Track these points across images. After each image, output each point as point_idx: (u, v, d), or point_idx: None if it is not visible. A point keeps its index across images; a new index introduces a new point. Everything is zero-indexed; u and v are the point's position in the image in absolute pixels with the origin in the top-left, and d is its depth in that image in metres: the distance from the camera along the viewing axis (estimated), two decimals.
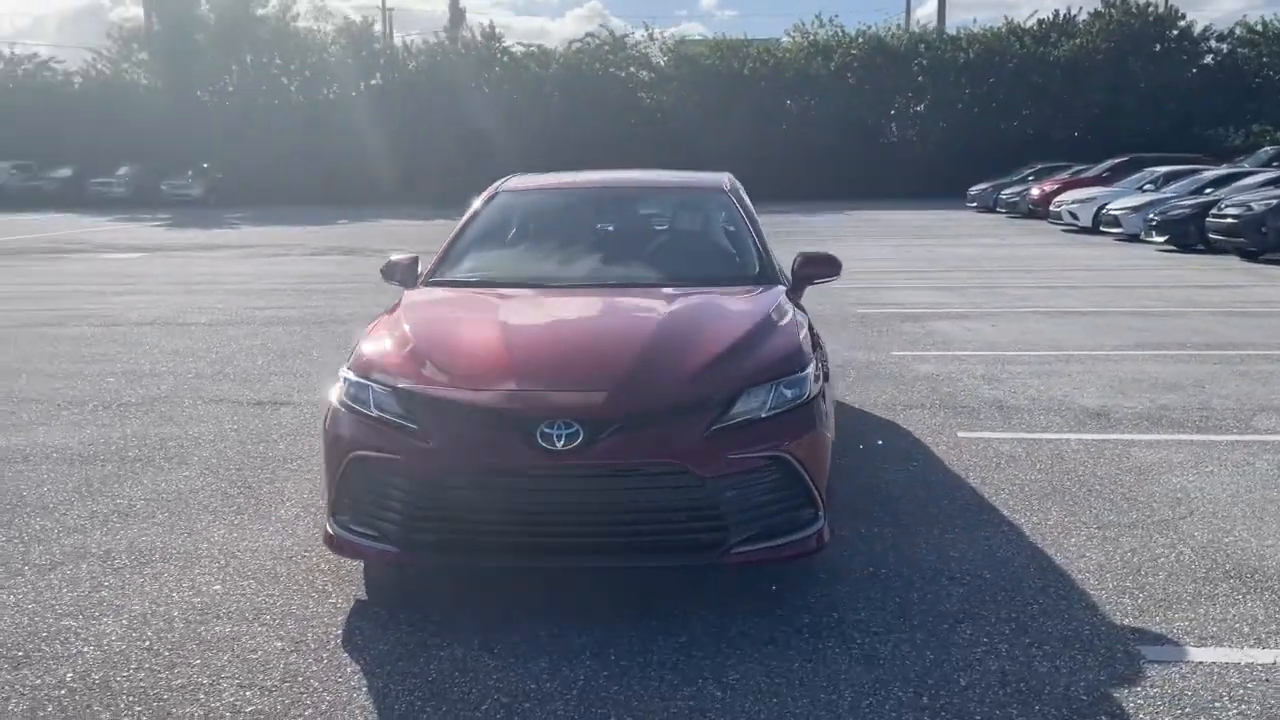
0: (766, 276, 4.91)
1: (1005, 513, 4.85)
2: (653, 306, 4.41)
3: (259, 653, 3.49)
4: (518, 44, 45.05)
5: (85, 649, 3.52)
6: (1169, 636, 3.61)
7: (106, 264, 18.17)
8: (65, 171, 42.45)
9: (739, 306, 4.47)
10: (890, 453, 5.86)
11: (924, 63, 41.76)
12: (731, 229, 5.35)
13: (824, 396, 4.10)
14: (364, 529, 3.74)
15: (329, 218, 30.10)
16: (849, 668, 3.38)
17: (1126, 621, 3.72)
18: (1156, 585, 4.02)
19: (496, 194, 5.60)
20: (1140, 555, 4.33)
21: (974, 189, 32.15)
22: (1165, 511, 4.86)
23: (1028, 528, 4.65)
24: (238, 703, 3.17)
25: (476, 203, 5.49)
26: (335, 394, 3.93)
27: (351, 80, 44.34)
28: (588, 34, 43.88)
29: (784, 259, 5.33)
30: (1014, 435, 6.21)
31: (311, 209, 34.15)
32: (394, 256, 5.19)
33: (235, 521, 4.79)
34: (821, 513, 3.83)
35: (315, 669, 3.39)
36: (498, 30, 45.58)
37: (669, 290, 4.65)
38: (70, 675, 3.34)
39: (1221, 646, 3.53)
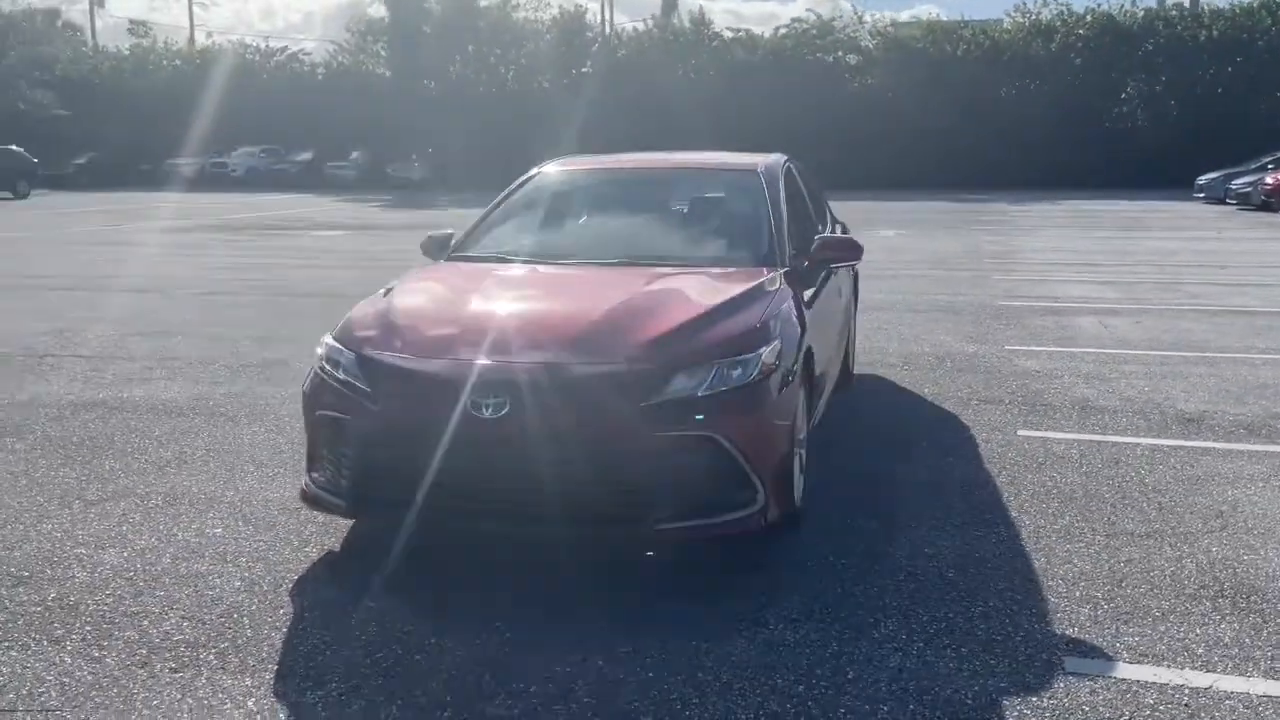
0: (772, 259, 4.85)
1: (1014, 514, 4.62)
2: (630, 284, 4.47)
3: (215, 590, 3.83)
4: (726, 30, 45.10)
5: (79, 574, 3.97)
6: (1106, 651, 3.37)
7: (311, 240, 19.66)
8: (306, 155, 45.98)
9: (713, 286, 4.44)
10: (931, 447, 5.65)
11: (1160, 41, 38.85)
12: (750, 211, 5.30)
13: (792, 378, 4.04)
14: (326, 484, 4.02)
15: None
16: (743, 652, 3.36)
17: (1069, 632, 3.50)
18: (1129, 598, 3.75)
19: (535, 174, 5.79)
20: (1133, 567, 4.04)
21: (1202, 178, 29.67)
22: (1195, 524, 4.49)
23: (1028, 532, 4.41)
24: (171, 631, 3.50)
25: (516, 183, 5.70)
26: (316, 357, 4.22)
27: (563, 69, 45.69)
28: (793, 19, 43.37)
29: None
30: (1079, 436, 5.85)
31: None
32: (432, 233, 5.46)
33: (269, 474, 5.20)
34: (762, 494, 3.81)
35: (255, 608, 3.68)
36: (708, 15, 45.77)
37: (661, 269, 4.69)
38: (53, 596, 3.78)
39: (1159, 666, 3.28)
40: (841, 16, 44.34)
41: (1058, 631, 3.51)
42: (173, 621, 3.57)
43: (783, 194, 5.34)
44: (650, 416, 3.67)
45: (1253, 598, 3.76)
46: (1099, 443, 5.73)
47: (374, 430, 3.83)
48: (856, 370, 7.47)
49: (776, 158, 5.84)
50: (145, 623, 3.57)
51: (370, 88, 47.14)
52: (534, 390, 3.68)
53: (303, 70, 50.03)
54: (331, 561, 4.11)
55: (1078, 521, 4.52)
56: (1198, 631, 3.50)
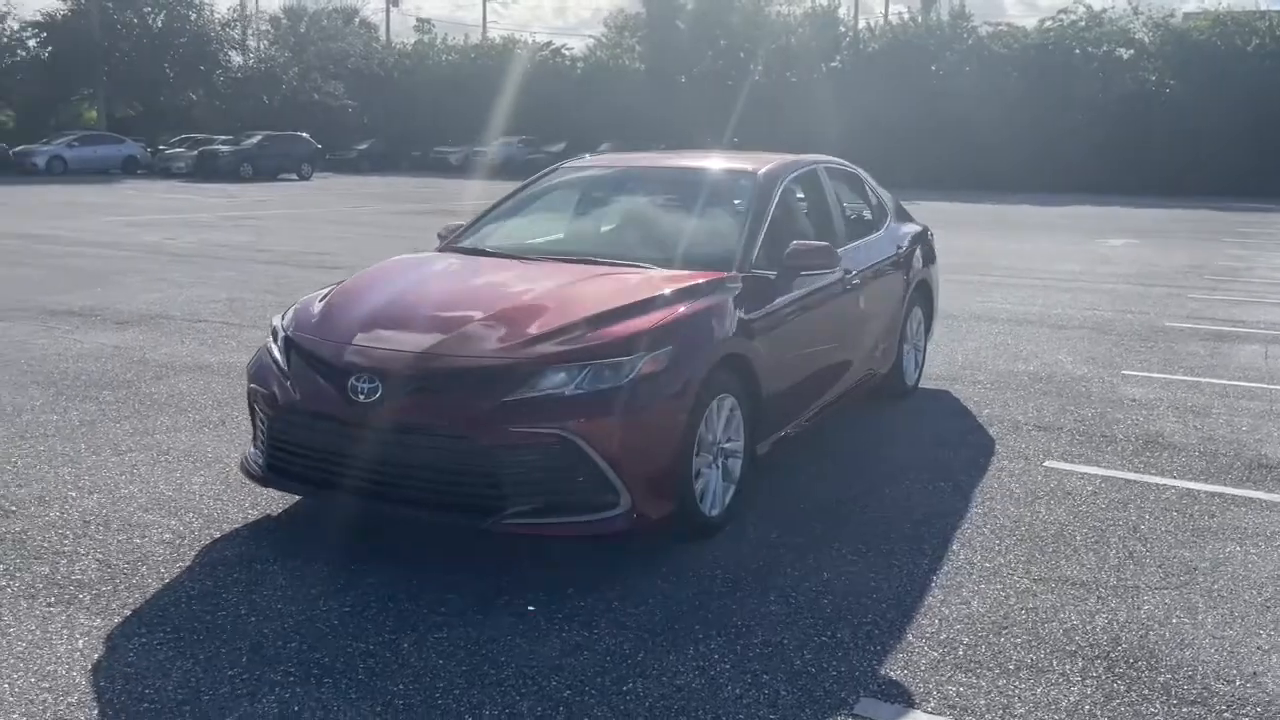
0: (729, 264, 4.75)
1: (954, 548, 4.32)
2: (559, 280, 4.52)
3: (142, 540, 4.24)
4: (985, 23, 43.08)
5: (51, 514, 4.50)
6: (913, 698, 3.15)
7: None
8: (559, 146, 47.97)
9: (636, 288, 4.40)
10: (930, 472, 5.33)
11: None
12: (728, 215, 5.19)
13: (689, 385, 3.98)
14: (254, 455, 4.36)
15: None
16: (532, 649, 3.39)
17: (892, 674, 3.29)
18: (994, 647, 3.46)
19: (548, 170, 5.94)
20: (1032, 615, 3.70)
21: None
22: (1153, 578, 4.04)
23: (952, 568, 4.13)
24: (77, 571, 3.94)
25: (530, 179, 5.86)
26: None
27: (812, 63, 45.20)
28: (1060, 10, 40.75)
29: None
30: (1110, 473, 5.34)
31: None
32: (449, 223, 5.73)
33: None
34: (626, 499, 3.79)
35: (160, 559, 4.06)
36: (969, 9, 43.87)
37: (604, 268, 4.72)
38: (17, 529, 4.32)
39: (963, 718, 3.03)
40: (1114, 7, 41.36)
41: (882, 672, 3.30)
42: (85, 562, 4.01)
43: (775, 200, 5.20)
44: (511, 411, 3.74)
45: (1139, 664, 3.37)
46: (1127, 481, 5.22)
47: (280, 406, 4.12)
48: (929, 384, 7.13)
49: (789, 162, 5.68)
50: (63, 561, 4.02)
51: (624, 81, 48.59)
52: (403, 378, 3.84)
53: (563, 65, 52.19)
54: (264, 526, 4.44)
55: (1018, 562, 4.18)
56: (1036, 692, 3.19)
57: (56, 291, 10.64)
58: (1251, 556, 4.29)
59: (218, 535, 4.32)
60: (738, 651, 3.41)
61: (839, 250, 5.61)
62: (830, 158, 6.54)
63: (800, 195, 5.70)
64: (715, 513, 4.34)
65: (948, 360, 8.00)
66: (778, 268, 4.84)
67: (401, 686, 3.16)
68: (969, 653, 3.43)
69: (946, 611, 3.73)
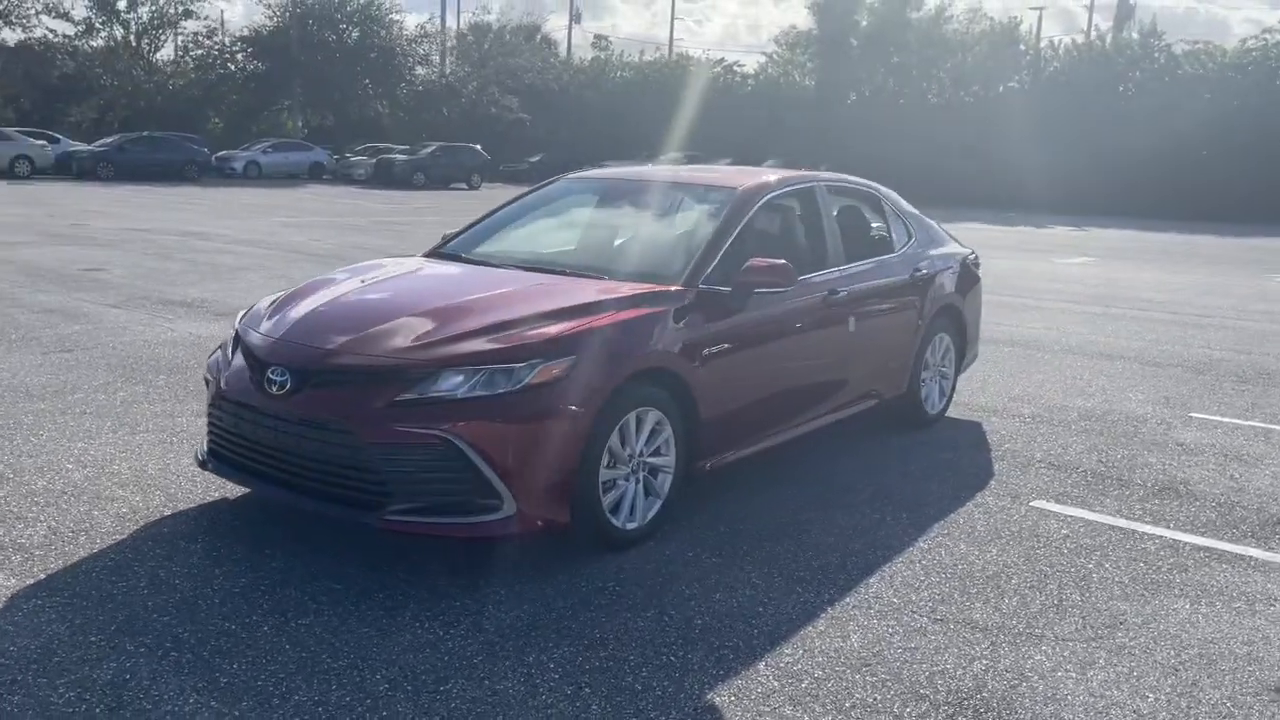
0: (688, 279, 4.71)
1: (877, 584, 4.15)
2: (496, 286, 4.60)
3: (100, 512, 4.54)
4: (1181, 41, 40.65)
5: (40, 482, 4.88)
6: None
7: None
8: (723, 162, 48.14)
9: (562, 297, 4.42)
10: (903, 502, 5.13)
11: None
12: (693, 230, 5.14)
13: (593, 396, 3.99)
14: (202, 442, 4.64)
15: (944, 218, 30.46)
16: (379, 642, 3.47)
17: (713, 699, 3.22)
18: (841, 685, 3.34)
19: (547, 181, 6.04)
20: (907, 656, 3.54)
21: None
22: (1069, 629, 3.79)
23: (859, 603, 3.97)
24: (24, 535, 4.27)
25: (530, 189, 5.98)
26: None
27: (990, 82, 43.75)
28: (1265, 30, 38.01)
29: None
30: (1101, 518, 5.00)
31: (932, 210, 34.90)
32: (450, 231, 5.92)
33: None
34: (510, 505, 3.84)
35: (106, 529, 4.36)
36: (1160, 29, 41.51)
37: (555, 276, 4.78)
38: (3, 494, 4.73)
39: None
40: None
41: (706, 698, 3.23)
42: (37, 529, 4.35)
43: (746, 217, 5.14)
44: (400, 411, 3.85)
45: (986, 716, 3.17)
46: (1111, 528, 4.88)
47: (216, 395, 4.37)
48: (969, 414, 6.86)
49: (778, 179, 5.58)
50: (19, 525, 4.37)
51: (793, 99, 48.36)
52: (308, 372, 4.01)
53: (734, 82, 52.33)
54: (217, 508, 4.69)
55: (928, 601, 3.98)
56: None
57: (182, 284, 11.47)
58: (1195, 616, 3.95)
59: (169, 513, 4.59)
60: (576, 663, 3.40)
61: (836, 270, 5.51)
62: (840, 176, 6.39)
63: (789, 213, 5.59)
64: (632, 526, 4.33)
65: (1002, 391, 7.65)
66: (732, 284, 4.77)
67: (236, 666, 3.30)
68: (812, 686, 3.31)
69: (818, 644, 3.60)
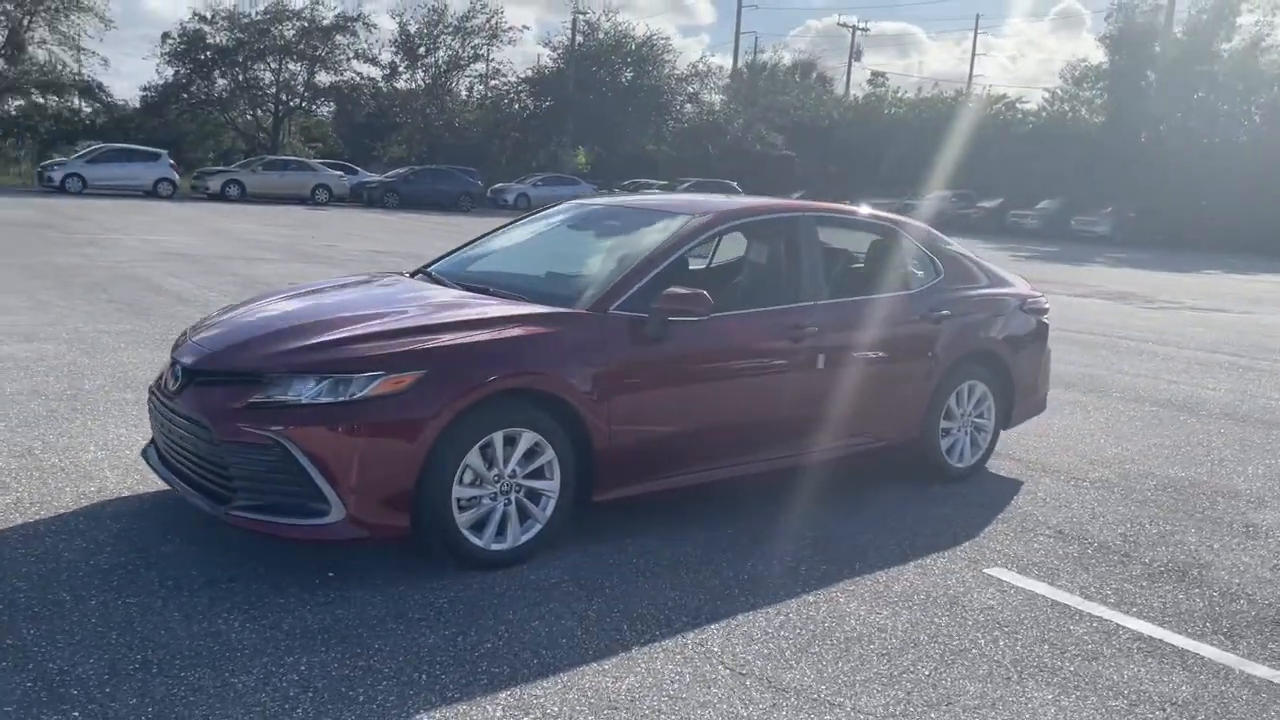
0: (596, 303, 4.66)
1: (717, 640, 3.91)
2: (400, 303, 4.76)
3: (55, 485, 5.03)
4: None
5: (26, 461, 5.49)
6: None
7: None
8: (993, 202, 46.00)
9: (446, 313, 4.51)
10: (838, 556, 4.77)
11: None
12: (626, 255, 5.01)
13: (440, 411, 4.03)
14: None
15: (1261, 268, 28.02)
16: (169, 629, 3.67)
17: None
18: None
19: (555, 203, 6.16)
20: (664, 706, 3.32)
21: None
22: (890, 702, 3.41)
23: (670, 651, 3.76)
24: None
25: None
26: None
27: None
28: None
29: None
30: (1057, 595, 4.44)
31: (1245, 258, 32.14)
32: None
33: None
34: (339, 511, 3.94)
35: (37, 505, 4.87)
36: None
37: (476, 295, 4.87)
38: None
39: None
40: None
41: (403, 709, 3.18)
42: (6, 497, 4.92)
43: (688, 245, 5.01)
44: (249, 412, 4.04)
45: None
46: (1055, 605, 4.33)
47: (152, 385, 4.79)
48: (1019, 471, 6.28)
49: (747, 208, 5.43)
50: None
51: (1077, 135, 45.51)
52: (192, 371, 4.31)
53: (1013, 119, 49.97)
54: (150, 498, 5.04)
55: (759, 659, 3.70)
56: None
57: None
58: (1047, 709, 3.43)
59: (100, 499, 4.88)
60: (316, 667, 3.42)
61: (806, 303, 5.25)
62: (844, 209, 6.07)
63: (756, 244, 5.38)
64: (500, 547, 4.31)
65: (1087, 451, 6.93)
66: (650, 312, 4.66)
67: (24, 629, 3.59)
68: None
69: (589, 682, 3.44)
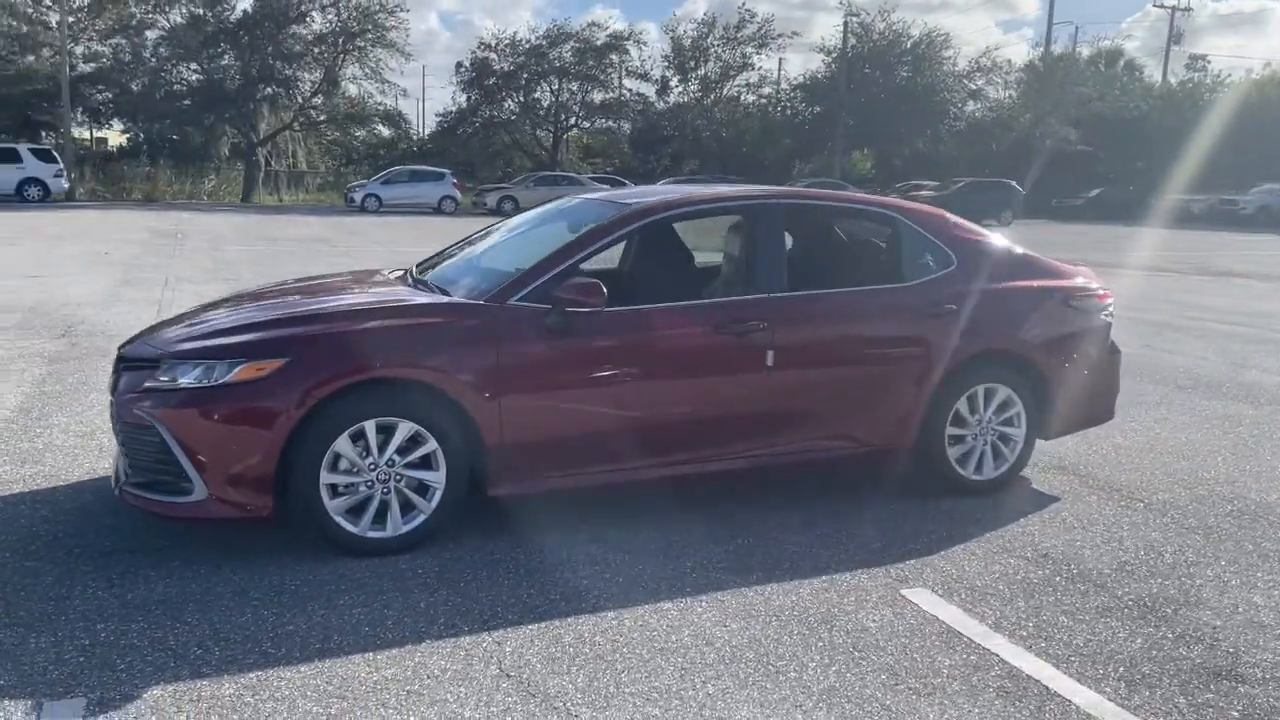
0: (497, 295, 4.59)
1: (543, 639, 3.78)
2: (342, 298, 4.94)
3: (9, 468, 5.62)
4: None
5: (36, 441, 6.14)
6: None
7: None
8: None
9: (337, 304, 4.63)
10: (744, 565, 4.43)
11: None
12: (549, 249, 4.85)
13: (306, 399, 4.14)
14: None
15: None
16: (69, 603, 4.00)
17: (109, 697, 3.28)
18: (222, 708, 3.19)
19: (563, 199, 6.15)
20: (404, 704, 3.25)
21: None
22: (634, 708, 3.16)
23: (487, 654, 3.67)
24: None
25: None
26: None
27: None
28: None
29: None
30: (955, 620, 3.90)
31: None
32: None
33: None
34: (201, 490, 4.14)
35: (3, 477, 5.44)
36: None
37: (415, 291, 4.95)
38: None
39: None
40: None
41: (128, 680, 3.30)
42: None
43: (612, 236, 4.84)
44: (139, 395, 4.30)
45: None
46: (946, 632, 3.80)
47: None
48: (1070, 487, 5.60)
49: (677, 197, 5.14)
50: None
51: None
52: (121, 359, 4.67)
53: None
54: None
55: (529, 660, 3.53)
56: None
57: None
58: None
59: (62, 483, 5.33)
60: (113, 635, 3.56)
61: (753, 296, 4.93)
62: (825, 193, 5.64)
63: (705, 237, 5.09)
64: (379, 534, 4.36)
65: (1173, 469, 6.02)
66: (551, 303, 4.55)
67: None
68: (253, 704, 3.21)
69: (341, 671, 3.42)
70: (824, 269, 5.36)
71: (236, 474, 4.17)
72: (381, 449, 4.33)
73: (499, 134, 48.59)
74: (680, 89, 49.59)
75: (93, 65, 41.39)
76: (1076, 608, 4.04)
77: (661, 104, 49.59)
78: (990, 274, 5.43)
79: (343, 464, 4.29)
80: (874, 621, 3.87)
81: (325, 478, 4.25)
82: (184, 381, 4.24)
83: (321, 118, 43.75)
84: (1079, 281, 5.70)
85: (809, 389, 5.00)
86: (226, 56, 40.17)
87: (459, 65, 46.84)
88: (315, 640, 3.63)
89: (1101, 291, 5.74)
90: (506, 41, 46.46)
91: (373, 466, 4.33)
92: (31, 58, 40.89)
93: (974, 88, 49.16)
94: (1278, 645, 3.78)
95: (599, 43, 46.70)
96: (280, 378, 4.17)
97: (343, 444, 4.26)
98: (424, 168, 38.24)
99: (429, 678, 3.39)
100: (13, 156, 33.78)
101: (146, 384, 4.34)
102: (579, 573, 4.27)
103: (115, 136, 50.40)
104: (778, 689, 3.36)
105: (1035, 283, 5.54)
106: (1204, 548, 4.74)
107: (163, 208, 33.69)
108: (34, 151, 34.45)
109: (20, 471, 5.39)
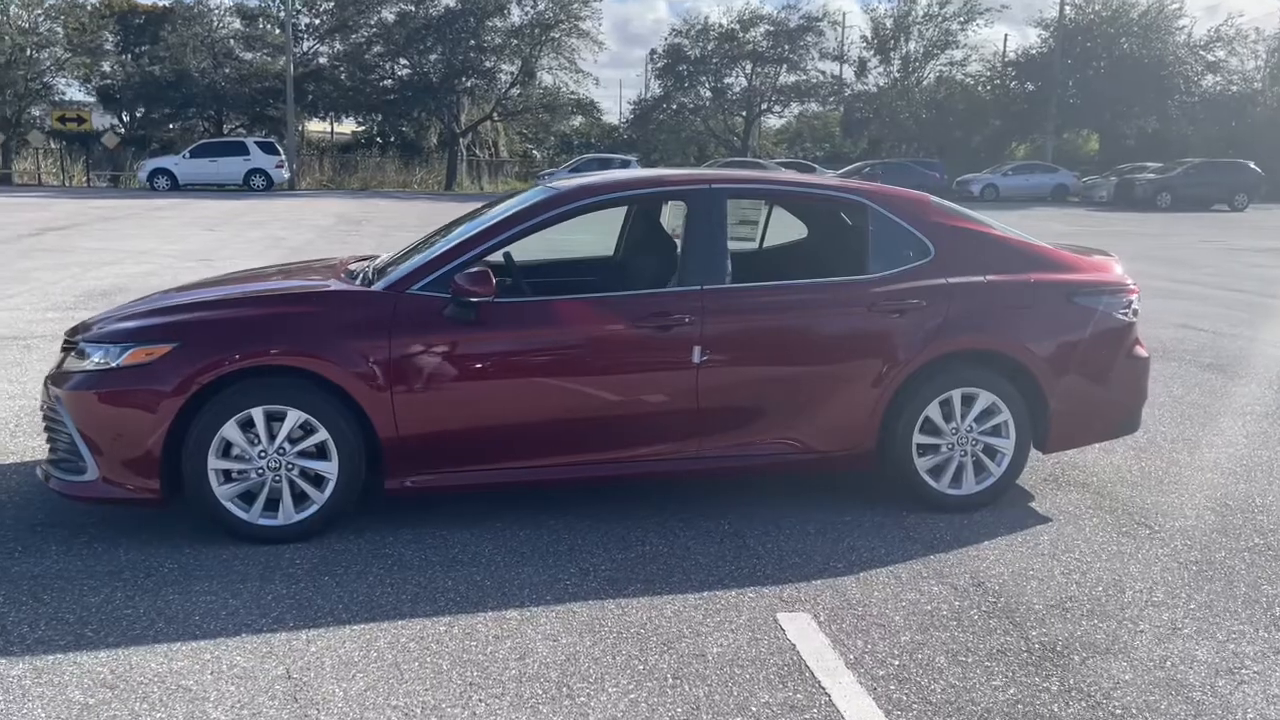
0: (397, 283, 4.47)
1: (354, 640, 3.66)
2: (265, 282, 4.93)
3: None
4: None
5: None
6: None
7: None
8: None
9: (246, 292, 4.61)
10: (618, 577, 4.14)
11: None
12: (466, 236, 4.65)
13: (189, 384, 4.17)
14: None
15: None
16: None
17: None
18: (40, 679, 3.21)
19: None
20: (128, 698, 3.21)
21: None
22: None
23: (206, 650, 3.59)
24: None
25: None
26: None
27: None
28: None
29: None
30: (816, 648, 3.49)
31: None
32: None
33: None
34: (94, 470, 4.24)
35: None
36: None
37: (333, 284, 4.86)
38: None
39: None
40: None
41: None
42: None
43: (524, 225, 4.60)
44: (59, 378, 4.46)
45: None
46: (789, 662, 3.40)
47: None
48: (1080, 507, 5.01)
49: (602, 182, 4.87)
50: None
51: None
52: (63, 345, 4.86)
53: None
54: None
55: (334, 671, 3.41)
56: None
57: None
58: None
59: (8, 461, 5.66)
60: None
61: (698, 288, 4.62)
62: (793, 179, 5.12)
63: (640, 224, 4.79)
64: (270, 522, 4.34)
65: (1215, 490, 5.23)
66: (451, 293, 4.40)
67: None
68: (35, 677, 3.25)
69: (117, 657, 3.41)
70: (777, 261, 4.95)
71: (124, 456, 4.24)
72: (273, 437, 4.31)
73: (690, 120, 48.50)
74: (880, 69, 47.94)
75: (312, 64, 44.24)
76: (966, 648, 3.53)
77: (860, 85, 48.13)
78: (974, 265, 4.86)
79: (235, 450, 4.30)
80: (719, 647, 3.52)
81: (214, 463, 4.27)
82: (87, 364, 4.36)
83: (519, 108, 45.01)
84: (1088, 275, 5.01)
85: (742, 389, 4.62)
86: (435, 52, 41.95)
87: (652, 52, 47.18)
88: (140, 626, 3.63)
89: (1119, 286, 5.03)
90: (699, 27, 46.33)
91: (263, 454, 4.31)
92: (261, 55, 44.21)
93: (1212, 59, 44.91)
94: (1180, 710, 3.16)
95: (793, 25, 45.78)
96: (167, 362, 4.21)
97: (231, 430, 4.26)
98: (610, 155, 38.66)
99: (210, 673, 3.32)
100: (240, 149, 36.71)
101: (66, 366, 4.49)
102: (452, 574, 4.11)
103: (347, 129, 53.72)
104: (552, 714, 3.09)
105: (1031, 276, 4.91)
106: (1182, 587, 4.06)
107: (370, 196, 35.63)
108: (259, 144, 37.23)
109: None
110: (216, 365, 4.22)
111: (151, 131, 44.45)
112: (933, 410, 4.76)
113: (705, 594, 3.94)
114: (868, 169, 37.77)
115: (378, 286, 4.51)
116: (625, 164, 37.29)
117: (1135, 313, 5.05)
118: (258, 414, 4.27)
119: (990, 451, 4.86)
